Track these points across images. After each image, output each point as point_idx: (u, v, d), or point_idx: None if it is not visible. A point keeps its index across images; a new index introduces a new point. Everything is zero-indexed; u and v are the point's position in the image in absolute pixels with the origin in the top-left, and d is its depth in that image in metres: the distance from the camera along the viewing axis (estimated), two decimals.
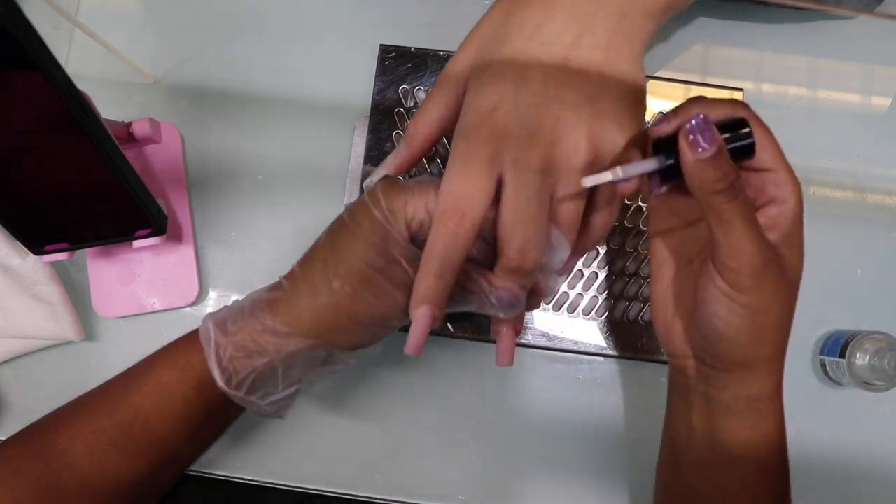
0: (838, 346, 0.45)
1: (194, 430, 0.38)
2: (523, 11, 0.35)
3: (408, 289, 0.34)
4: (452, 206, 0.33)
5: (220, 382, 0.35)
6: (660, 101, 0.48)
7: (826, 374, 0.47)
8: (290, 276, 0.36)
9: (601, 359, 0.48)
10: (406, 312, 0.34)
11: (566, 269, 0.39)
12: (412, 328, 0.34)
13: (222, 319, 0.36)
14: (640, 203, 0.47)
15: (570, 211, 0.34)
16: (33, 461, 0.36)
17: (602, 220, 0.37)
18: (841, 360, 0.45)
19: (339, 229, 0.36)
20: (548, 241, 0.34)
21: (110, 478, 0.36)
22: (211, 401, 0.36)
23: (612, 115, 0.34)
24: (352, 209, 0.35)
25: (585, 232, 0.37)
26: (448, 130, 0.37)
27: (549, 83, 0.34)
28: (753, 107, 0.49)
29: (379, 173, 0.38)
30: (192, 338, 0.37)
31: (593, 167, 0.34)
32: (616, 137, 0.34)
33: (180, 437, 0.37)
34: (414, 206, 0.34)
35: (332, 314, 0.35)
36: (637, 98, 0.35)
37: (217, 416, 0.38)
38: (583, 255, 0.43)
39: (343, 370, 0.39)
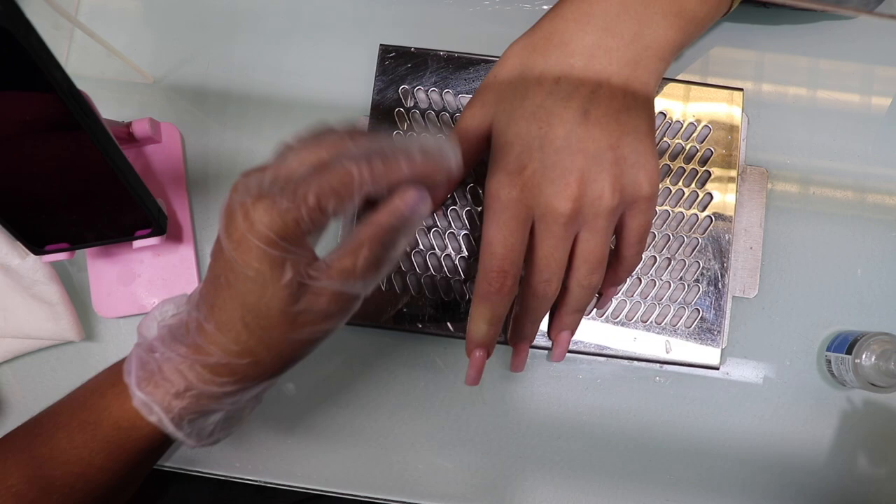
0: (845, 345, 0.45)
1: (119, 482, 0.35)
2: (542, 63, 0.37)
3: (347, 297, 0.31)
4: (498, 267, 0.37)
5: (153, 418, 0.32)
6: (660, 100, 0.48)
7: (830, 371, 0.47)
8: (205, 324, 0.32)
9: (601, 359, 0.48)
10: (347, 313, 0.32)
11: (606, 300, 0.44)
12: (470, 365, 0.40)
13: (147, 349, 0.34)
14: None
15: (597, 250, 0.38)
16: None
17: (633, 251, 0.40)
18: (847, 356, 0.45)
19: (223, 276, 0.31)
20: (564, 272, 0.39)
21: None
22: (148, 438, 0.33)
23: (632, 158, 0.37)
24: (219, 251, 0.31)
25: (619, 263, 0.41)
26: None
27: (571, 138, 0.36)
28: (753, 107, 0.50)
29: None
30: (108, 387, 0.34)
31: (618, 209, 0.38)
32: (639, 178, 0.37)
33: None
34: (270, 214, 0.28)
35: (265, 347, 0.31)
36: (652, 134, 0.38)
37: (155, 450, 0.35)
38: (618, 286, 0.45)
39: (263, 399, 0.36)
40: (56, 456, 0.33)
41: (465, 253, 0.47)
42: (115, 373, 0.35)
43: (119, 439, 0.33)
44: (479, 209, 0.47)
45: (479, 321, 0.39)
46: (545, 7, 0.51)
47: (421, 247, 0.47)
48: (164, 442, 0.34)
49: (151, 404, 0.32)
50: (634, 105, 0.37)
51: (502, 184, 0.37)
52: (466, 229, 0.47)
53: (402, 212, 0.31)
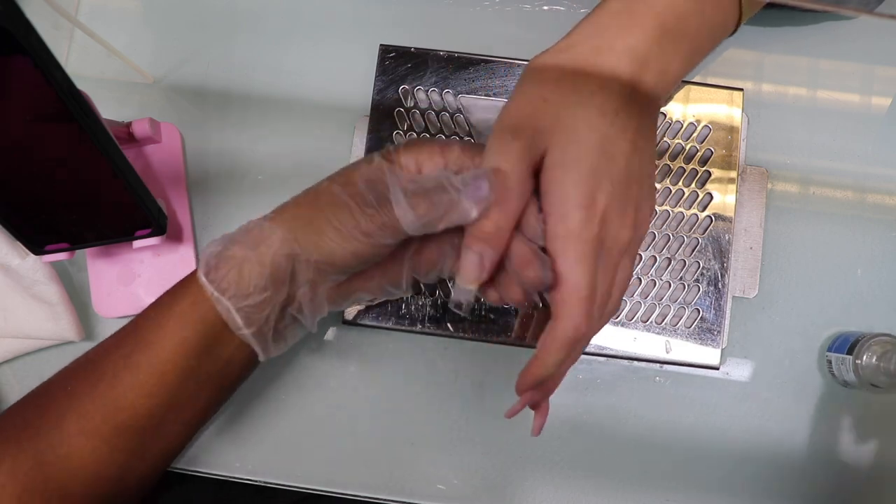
0: (846, 345, 0.45)
1: (192, 362, 0.37)
2: (601, 94, 0.37)
3: (387, 205, 0.35)
4: (590, 311, 0.34)
5: (200, 272, 0.37)
6: None
7: (831, 371, 0.47)
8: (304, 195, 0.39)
9: (601, 359, 0.48)
10: (381, 227, 0.35)
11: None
12: (538, 413, 0.38)
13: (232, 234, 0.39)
14: None
15: (631, 275, 0.38)
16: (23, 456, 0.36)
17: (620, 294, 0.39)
18: (848, 356, 0.45)
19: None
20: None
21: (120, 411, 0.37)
22: (206, 319, 0.37)
23: (651, 189, 0.38)
24: None
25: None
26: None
27: (630, 168, 0.36)
28: (753, 107, 0.50)
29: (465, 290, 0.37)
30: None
31: None
32: (651, 204, 0.38)
33: (179, 366, 0.37)
34: (430, 151, 0.37)
35: (310, 207, 0.37)
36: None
37: (211, 345, 0.38)
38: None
39: (310, 309, 0.39)
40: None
41: None
42: (179, 288, 0.39)
43: (187, 314, 0.37)
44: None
45: (554, 365, 0.35)
46: (545, 7, 0.51)
47: None
48: (225, 338, 0.38)
49: (222, 298, 0.36)
50: (648, 149, 0.38)
51: (584, 222, 0.34)
52: None
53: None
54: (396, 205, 0.34)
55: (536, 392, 0.37)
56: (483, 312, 0.46)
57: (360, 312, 0.47)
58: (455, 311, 0.37)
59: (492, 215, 0.34)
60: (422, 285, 0.46)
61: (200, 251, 0.38)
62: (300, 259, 0.36)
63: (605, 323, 0.38)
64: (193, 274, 0.38)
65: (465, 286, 0.35)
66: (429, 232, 0.36)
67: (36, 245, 0.43)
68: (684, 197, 0.47)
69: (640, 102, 0.37)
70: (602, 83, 0.36)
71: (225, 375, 0.40)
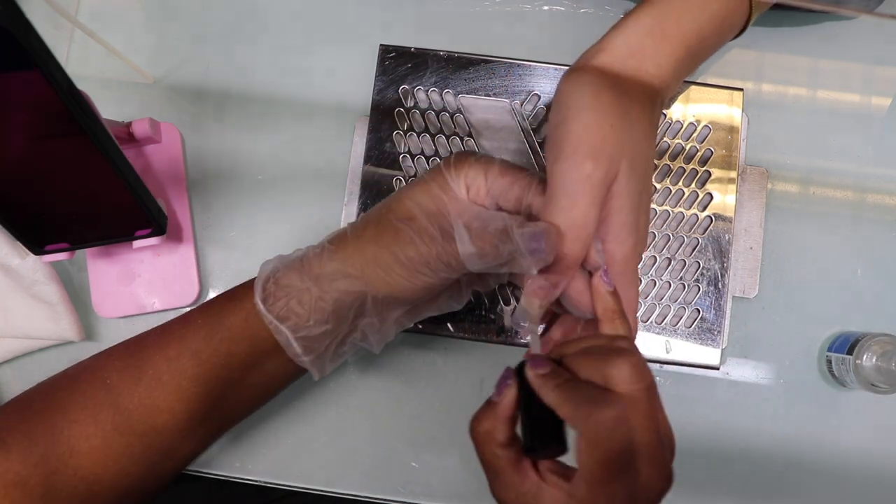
0: (846, 345, 0.45)
1: (236, 374, 0.37)
2: (645, 116, 0.38)
3: (451, 240, 0.35)
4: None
5: (257, 298, 0.36)
6: None
7: (831, 371, 0.47)
8: (362, 220, 0.38)
9: None
10: (445, 261, 0.35)
11: None
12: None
13: (288, 255, 0.38)
14: None
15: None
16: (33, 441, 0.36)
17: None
18: (848, 356, 0.45)
19: (409, 183, 0.38)
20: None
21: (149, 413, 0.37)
22: (256, 336, 0.37)
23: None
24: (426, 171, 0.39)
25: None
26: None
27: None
28: (753, 107, 0.50)
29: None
30: (251, 282, 0.38)
31: None
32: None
33: (221, 378, 0.37)
34: (475, 171, 0.36)
35: (373, 244, 0.36)
36: None
37: (259, 361, 0.38)
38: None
39: (378, 338, 0.39)
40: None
41: None
42: (238, 288, 0.38)
43: (236, 328, 0.37)
44: None
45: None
46: (545, 7, 0.51)
47: None
48: (270, 351, 0.37)
49: (275, 321, 0.36)
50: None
51: (635, 246, 0.36)
52: None
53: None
54: (460, 243, 0.34)
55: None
56: (483, 312, 0.46)
57: None
58: (517, 328, 0.38)
59: (558, 270, 0.35)
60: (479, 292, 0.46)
61: (259, 269, 0.38)
62: (368, 296, 0.36)
63: None
64: (246, 288, 0.37)
65: (530, 314, 0.36)
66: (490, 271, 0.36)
67: (36, 245, 0.43)
68: (684, 197, 0.47)
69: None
70: (642, 107, 0.37)
71: (269, 387, 0.40)
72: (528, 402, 0.33)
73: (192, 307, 0.49)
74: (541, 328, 0.37)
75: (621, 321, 0.35)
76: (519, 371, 0.34)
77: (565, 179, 0.34)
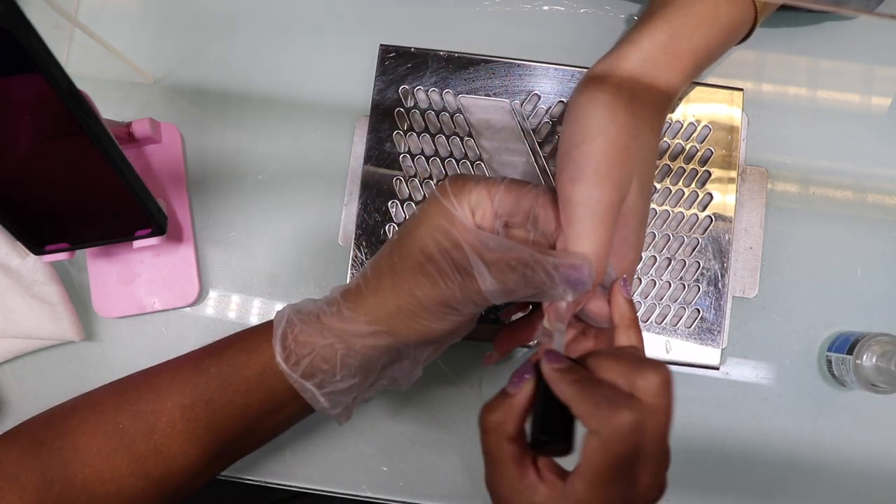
0: (846, 345, 0.45)
1: (251, 422, 0.37)
2: (653, 133, 0.39)
3: (471, 276, 0.33)
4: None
5: (279, 358, 0.35)
6: None
7: (831, 371, 0.47)
8: (362, 269, 0.37)
9: None
10: (470, 298, 0.34)
11: None
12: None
13: (299, 307, 0.37)
14: None
15: None
16: (35, 470, 0.36)
17: None
18: (848, 356, 0.45)
19: (407, 221, 0.37)
20: None
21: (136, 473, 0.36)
22: (273, 388, 0.36)
23: None
24: (421, 203, 0.38)
25: None
26: None
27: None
28: (754, 107, 0.50)
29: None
30: (266, 325, 0.37)
31: None
32: None
33: (237, 426, 0.37)
34: (478, 195, 0.34)
35: (394, 295, 0.35)
36: None
37: (276, 409, 0.37)
38: None
39: (408, 379, 0.38)
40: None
41: None
42: (252, 336, 0.38)
43: (252, 382, 0.36)
44: None
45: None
46: (545, 8, 0.51)
47: None
48: (288, 398, 0.37)
49: (290, 367, 0.35)
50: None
51: (635, 262, 0.38)
52: None
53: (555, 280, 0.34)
54: (481, 280, 0.33)
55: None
56: (483, 312, 0.46)
57: None
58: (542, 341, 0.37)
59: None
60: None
61: (274, 320, 0.37)
62: (399, 345, 0.36)
63: None
64: (260, 337, 0.37)
65: (554, 328, 0.36)
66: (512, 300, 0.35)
67: (36, 245, 0.43)
68: (684, 197, 0.47)
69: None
70: (652, 124, 0.38)
71: (285, 427, 0.40)
72: (542, 397, 0.33)
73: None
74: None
75: (636, 330, 0.35)
76: (535, 366, 0.34)
77: (588, 203, 0.34)
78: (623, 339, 0.35)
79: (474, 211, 0.35)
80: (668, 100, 0.40)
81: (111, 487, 0.36)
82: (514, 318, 0.43)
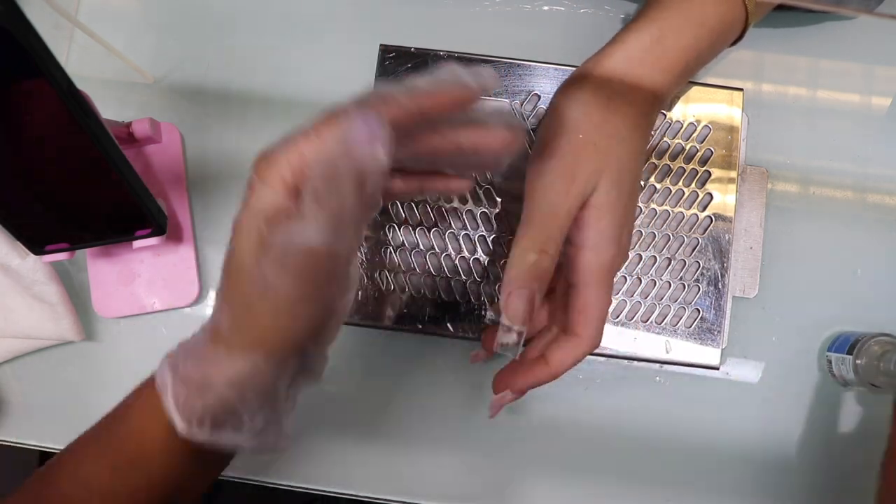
0: (846, 345, 0.46)
1: (187, 478, 0.34)
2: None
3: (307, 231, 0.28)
4: (602, 334, 0.39)
5: (180, 427, 0.31)
6: None
7: (831, 371, 0.47)
8: (217, 298, 0.32)
9: (601, 359, 0.48)
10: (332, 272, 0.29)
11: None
12: (499, 399, 0.41)
13: (174, 360, 0.32)
14: (639, 205, 0.47)
15: None
16: None
17: None
18: (848, 356, 0.45)
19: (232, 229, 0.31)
20: None
21: None
22: (194, 446, 0.32)
23: None
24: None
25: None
26: None
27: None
28: (754, 107, 0.50)
29: None
30: (146, 400, 0.33)
31: None
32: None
33: (174, 481, 0.33)
34: (287, 163, 0.30)
35: (249, 315, 0.30)
36: None
37: (209, 459, 0.34)
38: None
39: (320, 372, 0.34)
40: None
41: (466, 253, 0.47)
42: (149, 397, 0.33)
43: (174, 444, 0.32)
44: (480, 210, 0.47)
45: (561, 375, 0.39)
46: (545, 8, 0.51)
47: (421, 247, 0.47)
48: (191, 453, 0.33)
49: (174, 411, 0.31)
50: None
51: (615, 258, 0.39)
52: (467, 229, 0.47)
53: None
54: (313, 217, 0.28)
55: (516, 392, 0.40)
56: (483, 312, 0.46)
57: (359, 312, 0.46)
58: (504, 353, 0.37)
59: (541, 258, 0.36)
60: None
61: (157, 382, 0.33)
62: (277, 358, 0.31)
63: None
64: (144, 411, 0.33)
65: (515, 326, 0.36)
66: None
67: (36, 245, 0.43)
68: (684, 197, 0.47)
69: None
70: (634, 125, 0.39)
71: (214, 470, 0.37)
72: None
73: (191, 305, 0.48)
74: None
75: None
76: None
77: (545, 194, 0.37)
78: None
79: (286, 179, 0.30)
80: (655, 99, 0.40)
81: None
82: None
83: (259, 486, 0.48)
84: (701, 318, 0.46)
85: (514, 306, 0.36)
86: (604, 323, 0.38)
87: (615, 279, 0.46)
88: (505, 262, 0.46)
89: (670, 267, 0.47)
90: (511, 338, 0.36)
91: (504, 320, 0.36)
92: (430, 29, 0.51)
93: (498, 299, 0.46)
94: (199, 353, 0.32)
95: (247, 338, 0.30)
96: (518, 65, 0.48)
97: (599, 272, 0.37)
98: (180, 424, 0.31)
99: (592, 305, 0.37)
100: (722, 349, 0.46)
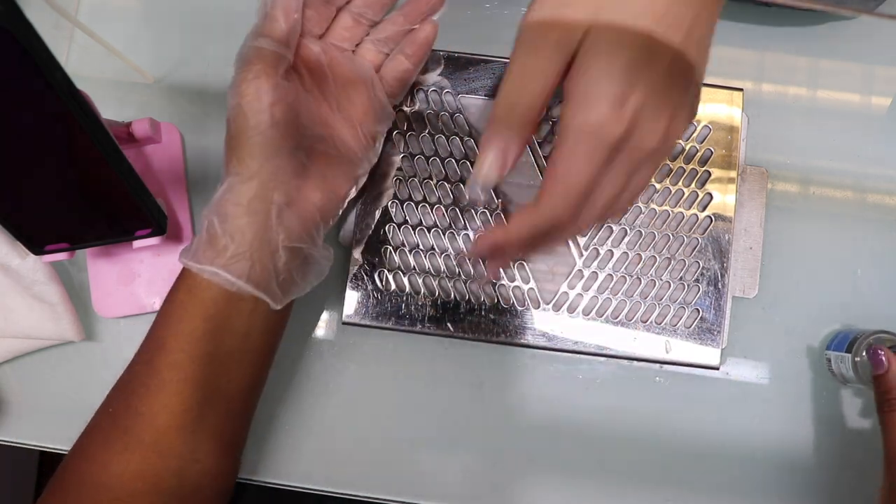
0: (845, 343, 0.46)
1: (208, 348, 0.38)
2: None
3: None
4: (572, 204, 0.33)
5: (180, 257, 0.38)
6: None
7: (831, 370, 0.47)
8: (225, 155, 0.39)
9: (601, 359, 0.48)
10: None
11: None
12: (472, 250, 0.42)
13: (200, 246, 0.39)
14: (640, 204, 0.47)
15: (645, 181, 0.36)
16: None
17: None
18: (846, 354, 0.45)
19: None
20: None
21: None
22: (204, 300, 0.38)
23: (694, 97, 0.37)
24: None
25: None
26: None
27: (677, 66, 0.34)
28: (753, 107, 0.50)
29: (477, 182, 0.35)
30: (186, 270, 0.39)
31: None
32: (690, 114, 0.36)
33: (197, 359, 0.38)
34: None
35: (243, 135, 0.37)
36: None
37: (221, 326, 0.38)
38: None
39: (324, 265, 0.41)
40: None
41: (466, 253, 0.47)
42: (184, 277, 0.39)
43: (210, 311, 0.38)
44: (480, 210, 0.47)
45: (517, 240, 0.35)
46: None
47: (421, 247, 0.47)
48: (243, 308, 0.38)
49: (209, 268, 0.37)
50: None
51: (607, 120, 0.32)
52: (467, 229, 0.47)
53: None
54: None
55: (493, 258, 0.39)
56: (483, 312, 0.46)
57: (359, 312, 0.47)
58: (472, 198, 0.36)
59: (510, 125, 0.33)
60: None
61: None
62: (251, 180, 0.37)
63: (599, 221, 0.35)
64: (183, 268, 0.39)
65: (489, 181, 0.34)
66: None
67: (36, 245, 0.43)
68: (684, 197, 0.47)
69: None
70: None
71: (250, 350, 0.40)
72: None
73: None
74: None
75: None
76: None
77: (516, 51, 0.33)
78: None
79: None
80: None
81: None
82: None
83: (259, 487, 0.48)
84: (701, 318, 0.46)
85: (485, 161, 0.34)
86: (573, 196, 0.32)
87: (612, 280, 0.46)
88: None
89: (670, 267, 0.47)
90: (476, 193, 0.34)
91: (474, 170, 0.34)
92: None
93: (495, 287, 0.47)
94: (217, 206, 0.38)
95: (230, 164, 0.38)
96: None
97: (581, 135, 0.31)
98: (183, 255, 0.38)
99: (557, 166, 0.32)
100: (722, 349, 0.46)
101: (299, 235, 0.39)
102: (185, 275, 0.38)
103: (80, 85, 0.33)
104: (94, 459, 0.37)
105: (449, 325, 0.46)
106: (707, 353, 0.46)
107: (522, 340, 0.46)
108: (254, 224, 0.37)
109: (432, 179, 0.47)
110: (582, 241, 0.47)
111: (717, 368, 0.46)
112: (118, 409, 0.38)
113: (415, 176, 0.48)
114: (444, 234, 0.47)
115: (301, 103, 0.39)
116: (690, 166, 0.47)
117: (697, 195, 0.47)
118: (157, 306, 0.48)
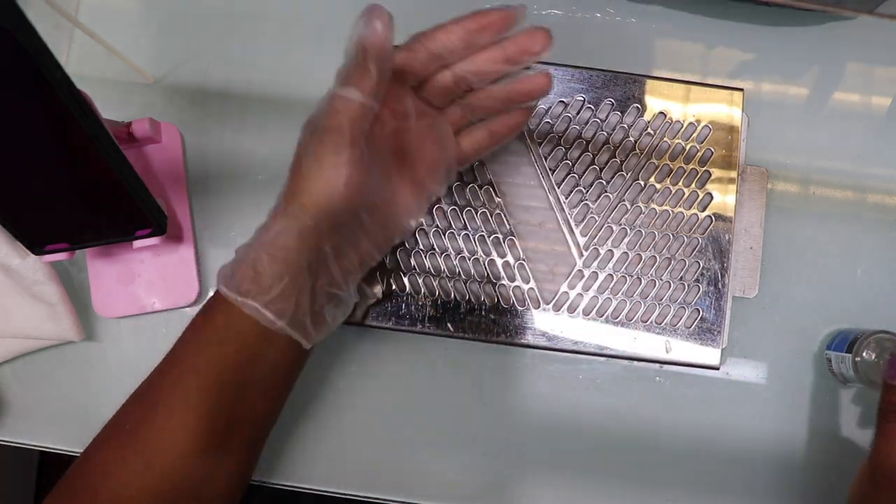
0: (845, 343, 0.46)
1: (236, 376, 0.38)
2: None
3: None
4: None
5: (220, 284, 0.37)
6: (660, 100, 0.48)
7: (831, 370, 0.47)
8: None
9: (601, 359, 0.48)
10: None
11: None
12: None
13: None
14: (640, 204, 0.47)
15: None
16: None
17: None
18: (847, 355, 0.45)
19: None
20: None
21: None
22: (241, 332, 0.37)
23: None
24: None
25: None
26: None
27: None
28: (753, 107, 0.50)
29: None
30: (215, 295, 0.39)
31: None
32: None
33: (224, 386, 0.38)
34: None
35: (292, 171, 0.38)
36: None
37: (254, 356, 0.38)
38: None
39: (349, 304, 0.41)
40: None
41: (466, 253, 0.47)
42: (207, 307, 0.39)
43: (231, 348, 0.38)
44: (480, 210, 0.47)
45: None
46: (543, 13, 0.51)
47: (421, 247, 0.47)
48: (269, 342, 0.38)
49: (246, 301, 0.36)
50: None
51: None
52: (467, 229, 0.47)
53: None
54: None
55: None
56: (483, 312, 0.46)
57: (359, 313, 0.47)
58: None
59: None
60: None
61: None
62: (309, 228, 0.37)
63: None
64: (218, 292, 0.38)
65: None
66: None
67: (36, 245, 0.43)
68: (684, 197, 0.47)
69: None
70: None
71: (276, 380, 0.40)
72: None
73: (191, 305, 0.49)
74: None
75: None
76: None
77: None
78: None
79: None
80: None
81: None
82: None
83: (259, 487, 0.48)
84: (701, 318, 0.46)
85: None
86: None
87: (612, 280, 0.46)
88: (505, 261, 0.47)
89: (670, 267, 0.47)
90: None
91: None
92: None
93: (499, 297, 0.46)
94: (259, 241, 0.38)
95: (302, 200, 0.37)
96: None
97: None
98: (221, 280, 0.37)
99: None
100: (722, 349, 0.46)
101: (339, 283, 0.39)
102: (220, 300, 0.38)
103: (81, 85, 0.33)
104: (110, 475, 0.37)
105: (449, 325, 0.46)
106: (707, 353, 0.46)
107: (522, 340, 0.46)
108: (303, 270, 0.37)
109: None
110: (582, 241, 0.47)
111: (718, 368, 0.46)
112: (137, 426, 0.38)
113: None
114: (444, 234, 0.47)
115: (375, 163, 0.39)
116: (690, 166, 0.47)
117: (697, 195, 0.47)
118: (157, 306, 0.48)
